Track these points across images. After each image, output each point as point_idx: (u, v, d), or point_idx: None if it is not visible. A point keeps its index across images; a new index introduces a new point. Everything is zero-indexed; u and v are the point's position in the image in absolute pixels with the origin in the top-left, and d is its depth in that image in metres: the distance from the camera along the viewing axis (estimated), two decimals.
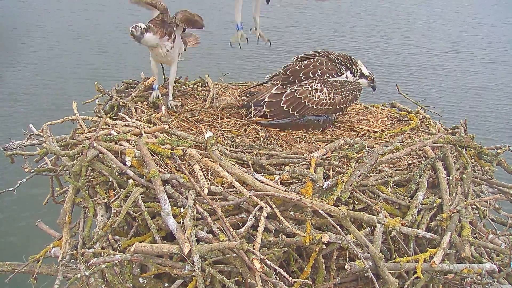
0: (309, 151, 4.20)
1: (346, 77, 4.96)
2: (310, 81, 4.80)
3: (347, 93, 4.83)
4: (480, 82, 17.90)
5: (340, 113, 5.14)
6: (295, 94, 4.75)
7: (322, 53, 5.05)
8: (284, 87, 4.85)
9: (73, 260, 3.62)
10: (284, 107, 4.75)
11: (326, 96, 4.74)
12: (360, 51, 19.45)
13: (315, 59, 4.95)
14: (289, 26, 23.12)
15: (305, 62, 4.94)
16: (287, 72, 4.91)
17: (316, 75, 4.83)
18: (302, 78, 4.84)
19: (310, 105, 4.74)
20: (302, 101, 4.74)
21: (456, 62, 19.96)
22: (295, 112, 4.75)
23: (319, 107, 4.74)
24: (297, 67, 4.90)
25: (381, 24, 25.72)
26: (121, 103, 4.88)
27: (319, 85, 4.76)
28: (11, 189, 4.22)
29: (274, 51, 18.64)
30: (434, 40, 23.19)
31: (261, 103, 4.84)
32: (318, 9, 27.54)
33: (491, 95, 16.66)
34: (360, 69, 5.09)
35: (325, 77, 4.83)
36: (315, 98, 4.74)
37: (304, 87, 4.77)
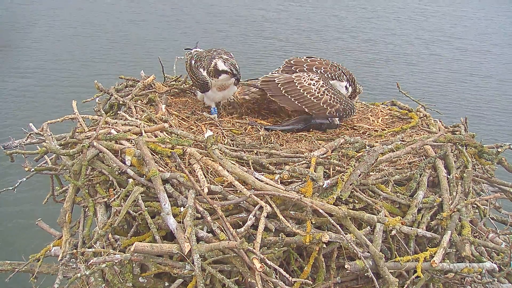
0: (309, 150, 4.20)
1: (346, 87, 4.96)
2: (311, 73, 4.82)
3: (336, 101, 4.74)
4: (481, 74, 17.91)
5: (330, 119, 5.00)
6: (292, 76, 4.80)
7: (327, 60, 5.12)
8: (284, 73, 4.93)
9: (73, 260, 3.61)
10: (278, 85, 4.79)
11: (316, 88, 4.72)
12: (355, 44, 19.45)
13: (320, 59, 5.01)
14: (284, 18, 23.14)
15: (312, 57, 5.01)
16: (291, 61, 4.98)
17: (319, 71, 4.85)
18: (305, 69, 4.88)
19: (299, 89, 4.73)
20: (294, 82, 4.76)
21: (455, 58, 19.95)
22: (285, 92, 4.75)
23: (305, 94, 4.71)
24: (302, 59, 4.97)
25: (379, 20, 25.67)
26: (121, 102, 4.87)
27: (317, 77, 4.77)
28: (11, 188, 4.22)
29: (273, 47, 18.67)
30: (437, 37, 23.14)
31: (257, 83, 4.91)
32: (310, 2, 27.56)
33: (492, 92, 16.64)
34: (357, 87, 5.10)
35: (325, 75, 4.84)
36: (306, 84, 4.74)
37: (302, 75, 4.80)
